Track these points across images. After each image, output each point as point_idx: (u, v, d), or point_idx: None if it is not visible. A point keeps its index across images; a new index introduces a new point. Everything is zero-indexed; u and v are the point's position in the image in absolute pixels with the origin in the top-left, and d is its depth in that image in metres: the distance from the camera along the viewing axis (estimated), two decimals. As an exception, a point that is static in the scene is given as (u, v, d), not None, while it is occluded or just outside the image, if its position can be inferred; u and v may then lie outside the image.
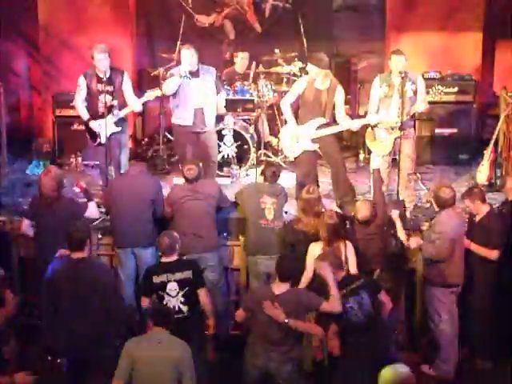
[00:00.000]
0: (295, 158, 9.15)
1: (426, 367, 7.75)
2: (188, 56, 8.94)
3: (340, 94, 8.81)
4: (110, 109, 8.93)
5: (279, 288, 6.56)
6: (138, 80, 11.58)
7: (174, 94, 9.14)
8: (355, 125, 8.91)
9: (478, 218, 7.71)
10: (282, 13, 11.65)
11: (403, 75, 8.65)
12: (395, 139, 8.77)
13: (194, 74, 9.03)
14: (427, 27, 11.04)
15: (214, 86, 9.20)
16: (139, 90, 11.70)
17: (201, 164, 8.34)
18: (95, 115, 9.03)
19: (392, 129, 8.82)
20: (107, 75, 8.91)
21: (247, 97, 10.63)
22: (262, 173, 8.21)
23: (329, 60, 8.93)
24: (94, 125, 9.00)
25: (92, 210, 7.83)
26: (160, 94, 9.32)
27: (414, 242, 7.68)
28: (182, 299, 6.94)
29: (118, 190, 8.06)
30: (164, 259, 7.07)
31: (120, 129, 9.06)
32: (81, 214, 7.68)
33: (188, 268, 7.02)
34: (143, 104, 9.35)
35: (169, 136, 10.92)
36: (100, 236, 8.47)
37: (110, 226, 8.26)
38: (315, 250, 7.44)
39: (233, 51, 11.18)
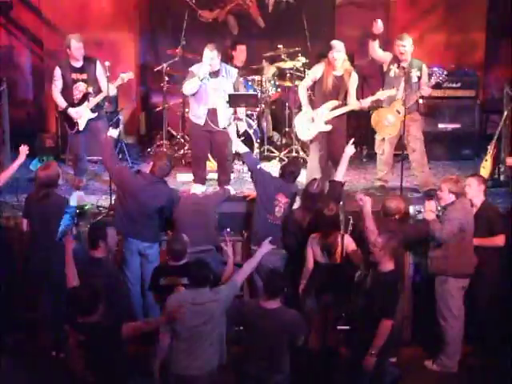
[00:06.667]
0: (310, 142, 9.31)
1: (429, 362, 7.76)
2: (209, 57, 8.91)
3: (354, 78, 9.05)
4: (85, 96, 9.27)
5: (269, 304, 6.43)
6: (140, 76, 11.58)
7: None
8: (365, 103, 9.14)
9: (474, 210, 7.71)
10: (285, 8, 11.59)
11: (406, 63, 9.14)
12: (402, 122, 9.07)
13: (214, 74, 9.02)
14: (430, 23, 11.05)
15: (232, 88, 9.18)
16: (142, 85, 11.77)
17: None
18: (71, 104, 9.31)
19: (398, 112, 9.12)
20: (80, 64, 9.24)
21: (250, 92, 10.63)
22: (282, 169, 8.26)
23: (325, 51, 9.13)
24: (72, 111, 9.26)
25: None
26: (132, 77, 9.54)
27: (430, 214, 7.62)
28: None
29: (129, 187, 7.93)
30: (172, 262, 7.01)
31: (96, 114, 9.32)
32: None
33: None
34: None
35: (172, 132, 10.95)
36: None
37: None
38: (313, 242, 7.48)
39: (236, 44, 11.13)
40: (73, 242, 6.69)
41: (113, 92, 9.51)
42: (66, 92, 9.32)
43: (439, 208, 7.80)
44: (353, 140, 8.36)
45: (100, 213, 8.79)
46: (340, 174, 8.11)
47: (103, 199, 9.15)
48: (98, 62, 9.29)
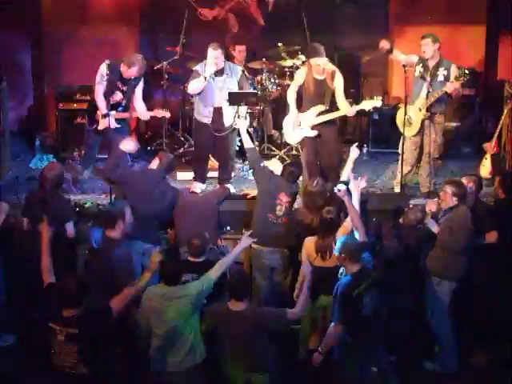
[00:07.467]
0: (300, 146, 9.27)
1: (428, 363, 7.75)
2: (214, 56, 8.90)
3: (338, 80, 8.92)
4: (117, 105, 9.11)
5: (236, 306, 6.36)
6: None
7: None
8: (352, 110, 8.94)
9: None
10: (285, 6, 11.62)
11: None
12: (423, 120, 9.01)
13: (218, 73, 9.01)
14: (430, 20, 11.05)
15: (237, 86, 9.16)
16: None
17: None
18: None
19: (420, 110, 9.03)
20: (128, 77, 9.05)
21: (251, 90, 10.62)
22: (283, 168, 8.24)
23: (325, 50, 9.00)
24: (99, 112, 9.11)
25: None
26: (168, 116, 9.46)
27: (432, 222, 7.62)
28: (205, 301, 6.70)
29: (139, 188, 7.96)
30: (192, 258, 7.03)
31: (120, 126, 9.17)
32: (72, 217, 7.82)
33: None
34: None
35: (172, 130, 10.96)
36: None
37: None
38: (309, 244, 7.47)
39: (235, 44, 11.14)
40: (50, 230, 6.52)
41: (146, 118, 9.39)
42: (104, 93, 9.13)
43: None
44: (357, 144, 8.27)
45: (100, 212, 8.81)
46: (345, 174, 7.99)
47: (103, 197, 9.17)
48: (142, 79, 9.19)
